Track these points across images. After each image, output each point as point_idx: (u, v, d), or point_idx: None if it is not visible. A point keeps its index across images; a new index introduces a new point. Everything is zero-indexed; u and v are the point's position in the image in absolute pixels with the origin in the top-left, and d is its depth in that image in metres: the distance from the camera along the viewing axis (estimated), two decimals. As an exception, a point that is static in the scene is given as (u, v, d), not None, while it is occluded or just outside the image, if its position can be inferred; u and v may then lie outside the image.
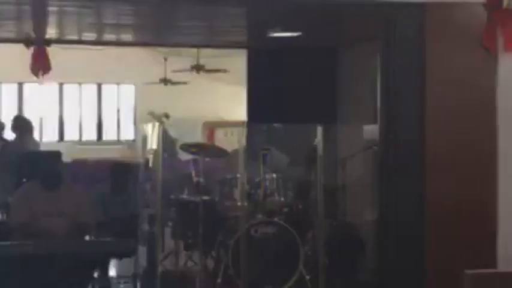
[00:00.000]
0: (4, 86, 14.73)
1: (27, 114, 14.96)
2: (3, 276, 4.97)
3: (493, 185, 5.49)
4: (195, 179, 7.16)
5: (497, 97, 5.52)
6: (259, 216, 6.52)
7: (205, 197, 6.81)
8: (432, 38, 5.43)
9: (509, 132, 5.52)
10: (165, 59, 13.16)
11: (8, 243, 5.38)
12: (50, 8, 6.80)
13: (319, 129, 6.10)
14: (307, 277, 6.34)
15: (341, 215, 7.39)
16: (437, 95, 5.47)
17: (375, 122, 5.90)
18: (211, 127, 14.43)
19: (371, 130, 6.60)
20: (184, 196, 7.11)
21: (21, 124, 9.52)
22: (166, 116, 13.65)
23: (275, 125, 7.57)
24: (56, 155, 6.32)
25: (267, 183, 6.62)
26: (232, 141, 7.31)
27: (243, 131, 7.00)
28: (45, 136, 15.02)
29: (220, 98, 14.88)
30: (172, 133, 12.07)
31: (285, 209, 6.68)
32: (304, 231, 6.65)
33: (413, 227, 5.45)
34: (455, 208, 5.43)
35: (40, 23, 7.64)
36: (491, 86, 5.52)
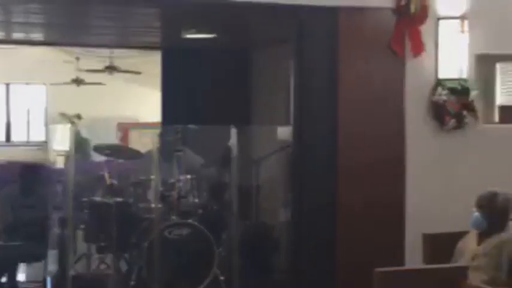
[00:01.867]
0: None
1: None
2: None
3: (401, 186, 5.66)
4: (108, 180, 7.06)
5: (405, 99, 5.69)
6: (174, 217, 6.49)
7: (119, 199, 6.72)
8: (344, 41, 5.55)
9: (415, 133, 5.70)
10: (77, 59, 12.92)
11: None
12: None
13: (233, 131, 6.13)
14: (222, 278, 6.36)
15: (255, 216, 7.44)
16: (349, 97, 5.59)
17: (288, 123, 5.97)
18: (125, 128, 14.26)
19: (285, 131, 6.68)
20: (97, 198, 7.00)
21: None
22: (79, 117, 13.41)
23: (189, 126, 7.56)
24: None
25: (181, 184, 6.60)
26: (146, 142, 7.24)
27: (157, 132, 6.98)
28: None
29: (134, 99, 14.73)
30: (86, 134, 11.86)
31: (200, 210, 6.68)
32: (218, 232, 6.67)
33: (324, 227, 5.55)
34: (366, 208, 5.56)
35: None
36: (400, 88, 5.69)
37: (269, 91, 8.03)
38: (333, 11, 5.53)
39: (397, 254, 5.55)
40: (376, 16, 5.61)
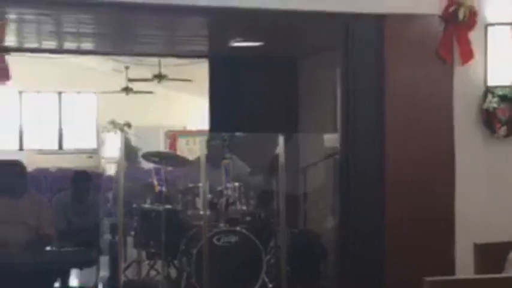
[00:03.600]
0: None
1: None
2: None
3: (450, 195, 5.59)
4: (157, 188, 7.15)
5: (454, 107, 5.64)
6: (222, 225, 6.54)
7: (168, 206, 6.81)
8: (391, 48, 5.53)
9: (465, 141, 5.64)
10: (127, 68, 13.12)
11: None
12: (9, 16, 6.74)
13: (281, 138, 6.15)
14: (270, 285, 6.38)
15: (303, 224, 7.45)
16: (397, 104, 5.56)
17: (335, 131, 5.97)
18: (173, 136, 14.42)
19: (332, 139, 6.68)
20: (147, 205, 7.10)
21: None
22: (128, 125, 13.61)
23: (237, 134, 7.61)
24: (17, 164, 6.24)
25: (229, 192, 6.65)
26: (194, 150, 7.32)
27: (205, 140, 7.04)
28: (5, 145, 14.84)
29: (182, 107, 14.88)
30: (135, 142, 12.03)
31: (247, 218, 6.72)
32: (266, 240, 6.69)
33: (372, 235, 5.52)
34: (415, 217, 5.51)
35: (-1, 31, 7.58)
36: (448, 95, 5.63)
37: (316, 99, 8.03)
38: (380, 18, 5.51)
39: (447, 263, 5.48)
40: (423, 23, 5.57)
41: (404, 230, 5.48)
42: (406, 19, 5.53)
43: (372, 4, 5.39)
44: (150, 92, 13.28)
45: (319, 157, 7.32)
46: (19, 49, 8.64)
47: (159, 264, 6.89)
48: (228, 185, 6.68)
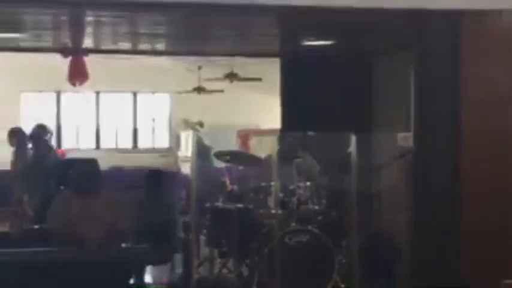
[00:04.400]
0: (43, 95, 14.98)
1: (64, 122, 15.22)
2: (40, 282, 5.04)
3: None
4: (229, 186, 7.19)
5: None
6: (293, 224, 6.53)
7: (240, 205, 6.84)
8: (467, 46, 5.41)
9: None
10: (199, 68, 13.25)
11: (46, 249, 5.45)
12: (87, 18, 6.91)
13: (353, 138, 6.10)
14: (342, 286, 6.33)
15: (375, 223, 7.36)
16: (473, 102, 5.44)
17: (409, 130, 5.87)
18: (245, 135, 14.47)
19: (405, 138, 6.57)
20: (219, 204, 7.15)
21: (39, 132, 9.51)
22: (201, 124, 13.73)
23: (309, 133, 7.57)
24: (92, 163, 6.42)
25: (301, 191, 6.62)
26: (266, 149, 7.33)
27: (277, 139, 7.03)
28: (82, 144, 15.23)
29: (254, 106, 14.92)
30: (207, 141, 12.13)
31: (319, 217, 6.68)
32: (338, 239, 6.63)
33: (448, 235, 5.41)
34: (491, 216, 5.38)
35: (77, 33, 7.78)
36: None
37: (390, 97, 7.92)
38: (456, 14, 5.40)
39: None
40: (499, 18, 5.42)
41: (481, 230, 5.36)
42: (482, 15, 5.40)
43: (447, 0, 5.28)
44: (222, 91, 13.37)
45: (392, 156, 7.21)
46: (96, 50, 8.86)
47: (231, 263, 6.93)
48: (300, 184, 6.66)
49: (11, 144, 9.10)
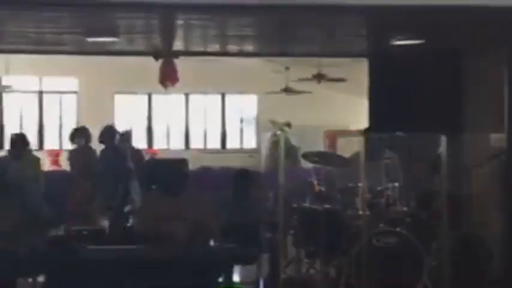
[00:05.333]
0: (135, 97, 15.40)
1: (155, 123, 15.59)
2: (128, 280, 5.17)
3: None
4: (316, 187, 7.19)
5: None
6: (381, 225, 6.47)
7: (327, 206, 6.83)
8: None
9: None
10: (287, 69, 13.29)
11: (134, 247, 5.58)
12: (177, 22, 7.06)
13: (443, 138, 5.98)
14: (432, 288, 6.23)
15: (466, 225, 7.19)
16: None
17: (501, 131, 5.72)
18: (333, 136, 14.42)
19: (498, 139, 6.41)
20: (306, 204, 7.16)
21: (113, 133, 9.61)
22: (288, 125, 13.77)
23: (397, 133, 7.48)
24: (182, 163, 6.53)
25: (389, 192, 6.56)
26: (353, 149, 7.28)
27: (365, 139, 6.98)
28: (172, 144, 15.56)
29: (342, 106, 14.85)
30: (294, 142, 12.16)
31: (408, 219, 6.59)
32: (427, 242, 6.52)
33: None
34: None
35: (168, 36, 7.96)
36: None
37: (480, 97, 7.73)
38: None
39: None
40: None
41: None
42: None
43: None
44: (310, 92, 13.37)
45: (484, 157, 7.04)
46: (186, 53, 9.04)
47: (318, 263, 6.93)
48: (389, 185, 6.59)
49: (78, 143, 9.33)
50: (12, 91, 14.74)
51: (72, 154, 9.75)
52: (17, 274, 5.88)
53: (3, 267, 5.73)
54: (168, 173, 6.18)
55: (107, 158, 9.10)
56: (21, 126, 14.78)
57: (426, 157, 6.85)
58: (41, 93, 15.17)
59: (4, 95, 14.98)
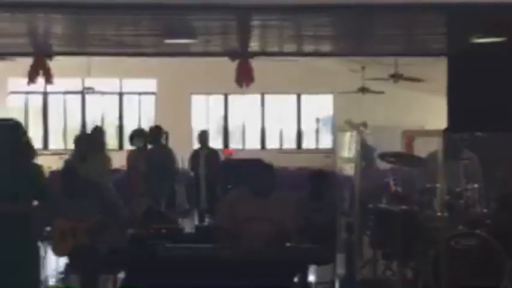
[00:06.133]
0: (211, 98, 15.59)
1: (231, 123, 15.74)
2: (206, 278, 5.24)
3: None
4: (393, 188, 7.11)
5: None
6: (460, 227, 6.34)
7: (404, 207, 6.74)
8: None
9: None
10: (363, 68, 13.19)
11: (212, 246, 5.65)
12: (253, 22, 7.11)
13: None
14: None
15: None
16: None
17: None
18: (410, 136, 14.21)
19: None
20: (383, 205, 7.09)
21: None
22: (364, 124, 13.66)
23: (477, 134, 7.31)
24: (262, 163, 6.57)
25: (469, 193, 6.42)
26: (431, 150, 7.16)
27: (443, 139, 6.85)
28: (248, 144, 15.67)
29: (419, 106, 14.64)
30: (370, 142, 12.06)
31: (488, 221, 6.44)
32: (509, 244, 6.35)
33: None
34: None
35: (244, 37, 8.02)
36: None
37: None
38: None
39: None
40: None
41: None
42: None
43: None
44: (385, 92, 13.24)
45: None
46: (262, 53, 9.09)
47: (395, 265, 6.85)
48: (468, 186, 6.45)
49: (136, 144, 9.32)
50: (94, 92, 15.18)
51: (131, 155, 9.69)
52: (98, 270, 6.06)
53: (85, 263, 5.92)
54: (252, 174, 6.21)
55: (152, 159, 8.97)
56: (102, 126, 15.19)
57: (507, 157, 6.67)
58: (121, 94, 15.55)
59: (86, 97, 15.44)
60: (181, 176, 10.43)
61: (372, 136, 12.56)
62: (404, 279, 6.70)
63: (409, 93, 14.26)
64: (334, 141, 15.40)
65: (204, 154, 10.36)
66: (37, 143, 14.95)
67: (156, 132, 9.46)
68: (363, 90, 13.41)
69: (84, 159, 7.91)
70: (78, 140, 8.39)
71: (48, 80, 9.61)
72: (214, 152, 10.59)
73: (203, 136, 10.57)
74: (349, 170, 8.90)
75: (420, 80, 12.64)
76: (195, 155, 10.50)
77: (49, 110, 15.49)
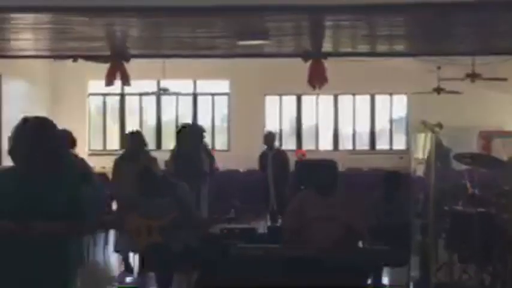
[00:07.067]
0: (284, 98, 15.60)
1: (304, 124, 15.72)
2: (276, 278, 5.25)
3: None
4: (469, 190, 6.96)
5: None
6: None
7: (481, 209, 6.59)
8: None
9: None
10: (438, 68, 12.95)
11: (283, 246, 5.65)
12: (326, 23, 7.10)
13: None
14: None
15: None
16: None
17: None
18: (487, 137, 13.88)
19: None
20: (459, 207, 6.95)
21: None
22: (440, 125, 13.39)
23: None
24: (331, 164, 6.54)
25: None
26: (510, 151, 6.97)
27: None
28: (321, 145, 15.62)
29: (498, 106, 14.27)
30: (446, 143, 11.83)
31: None
32: None
33: None
34: None
35: (317, 38, 8.01)
36: None
37: None
38: None
39: None
40: None
41: None
42: None
43: None
44: (461, 93, 12.96)
45: None
46: (335, 54, 9.06)
47: (472, 268, 6.70)
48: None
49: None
50: (169, 94, 15.44)
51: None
52: (172, 268, 6.15)
53: (159, 261, 6.02)
54: (319, 174, 6.20)
55: (179, 161, 8.46)
56: (176, 127, 15.44)
57: None
58: (195, 95, 15.76)
59: (162, 98, 15.73)
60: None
61: (447, 137, 12.32)
62: (482, 284, 6.54)
63: (487, 93, 13.91)
64: (409, 142, 15.25)
65: (271, 155, 10.40)
66: (114, 144, 15.36)
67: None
68: (438, 90, 13.16)
69: (134, 158, 7.50)
70: (131, 138, 7.94)
71: (125, 81, 9.84)
72: (281, 153, 10.62)
73: (270, 137, 10.64)
74: (423, 171, 8.79)
75: (501, 79, 12.30)
76: (263, 155, 10.58)
77: (126, 111, 15.83)
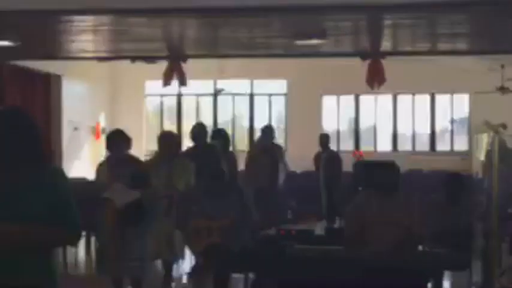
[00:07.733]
0: (342, 98, 15.46)
1: (362, 124, 15.54)
2: (333, 280, 5.17)
3: None
4: (535, 192, 6.74)
5: None
6: None
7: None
8: None
9: None
10: (502, 67, 12.63)
11: (341, 247, 5.57)
12: (385, 22, 6.97)
13: None
14: None
15: None
16: None
17: None
18: (555, 139, 13.45)
19: None
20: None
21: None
22: (504, 126, 13.04)
23: None
24: (391, 165, 6.42)
25: None
26: None
27: None
28: (379, 146, 15.41)
29: None
30: (510, 144, 11.52)
31: None
32: None
33: None
34: None
35: (375, 37, 7.88)
36: None
37: None
38: None
39: None
40: None
41: None
42: None
43: None
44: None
45: None
46: (394, 53, 8.90)
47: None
48: None
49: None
50: (226, 94, 15.48)
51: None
52: (230, 269, 6.14)
53: (218, 261, 6.02)
54: (380, 175, 6.10)
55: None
56: (233, 128, 15.46)
57: None
58: (251, 95, 15.75)
59: (218, 98, 15.77)
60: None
61: (511, 138, 11.99)
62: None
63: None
64: (470, 143, 14.91)
65: (325, 157, 10.33)
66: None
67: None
68: (502, 89, 12.82)
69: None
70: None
71: (182, 82, 9.88)
72: (334, 155, 10.53)
73: (324, 139, 10.57)
74: (486, 173, 8.56)
75: None
76: (317, 157, 10.55)
77: (183, 112, 15.94)
